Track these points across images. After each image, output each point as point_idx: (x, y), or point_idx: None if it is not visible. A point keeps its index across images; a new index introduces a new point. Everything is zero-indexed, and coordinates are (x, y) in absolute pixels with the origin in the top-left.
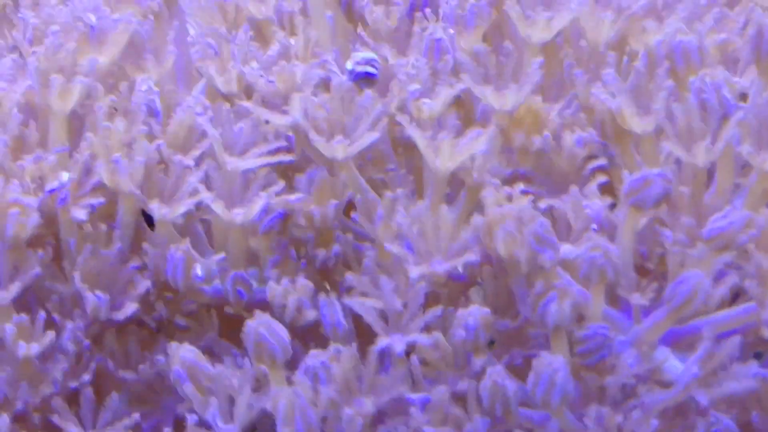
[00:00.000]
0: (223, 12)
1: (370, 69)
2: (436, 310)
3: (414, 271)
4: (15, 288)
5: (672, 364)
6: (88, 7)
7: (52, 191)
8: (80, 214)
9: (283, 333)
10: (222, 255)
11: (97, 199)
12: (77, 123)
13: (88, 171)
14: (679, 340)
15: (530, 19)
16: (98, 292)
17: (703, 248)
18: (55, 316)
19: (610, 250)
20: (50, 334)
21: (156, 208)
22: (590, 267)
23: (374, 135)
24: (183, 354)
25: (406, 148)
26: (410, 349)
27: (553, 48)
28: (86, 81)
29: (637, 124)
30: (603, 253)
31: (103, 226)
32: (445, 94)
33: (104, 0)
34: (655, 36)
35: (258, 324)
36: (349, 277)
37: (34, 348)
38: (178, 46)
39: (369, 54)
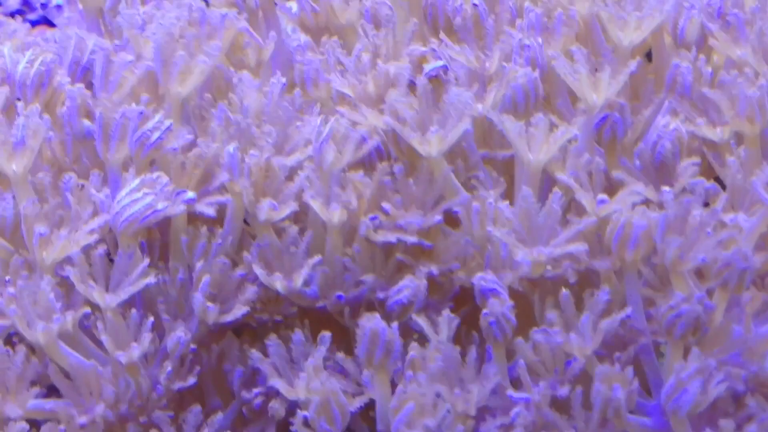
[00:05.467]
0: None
1: (441, 70)
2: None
3: (520, 255)
4: (124, 294)
5: None
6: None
7: (187, 201)
8: (209, 210)
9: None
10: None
11: (218, 198)
12: None
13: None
14: None
15: (621, 21)
16: (209, 303)
17: None
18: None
19: (750, 257)
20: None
21: (264, 209)
22: (732, 273)
23: (465, 126)
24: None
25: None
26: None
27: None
28: (208, 62)
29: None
30: (745, 259)
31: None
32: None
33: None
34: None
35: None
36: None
37: (135, 351)
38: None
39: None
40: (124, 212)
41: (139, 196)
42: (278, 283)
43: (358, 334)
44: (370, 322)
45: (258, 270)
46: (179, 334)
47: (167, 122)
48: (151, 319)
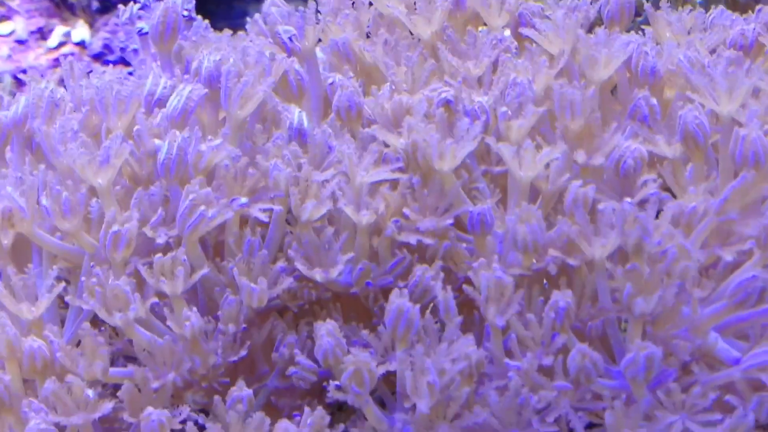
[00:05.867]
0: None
1: (450, 97)
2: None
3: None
4: (188, 285)
5: (722, 347)
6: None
7: (240, 205)
8: (261, 215)
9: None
10: (351, 255)
11: (269, 206)
12: None
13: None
14: (724, 328)
15: (594, 59)
16: (252, 284)
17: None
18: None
19: (691, 251)
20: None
21: (307, 209)
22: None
23: (473, 145)
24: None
25: (491, 176)
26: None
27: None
28: (267, 90)
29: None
30: (685, 252)
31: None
32: (531, 113)
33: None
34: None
35: (401, 303)
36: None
37: (196, 326)
38: (313, 80)
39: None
40: (186, 221)
41: (187, 204)
42: (318, 275)
43: (387, 309)
44: (398, 299)
45: (299, 265)
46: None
47: (216, 141)
48: (195, 308)
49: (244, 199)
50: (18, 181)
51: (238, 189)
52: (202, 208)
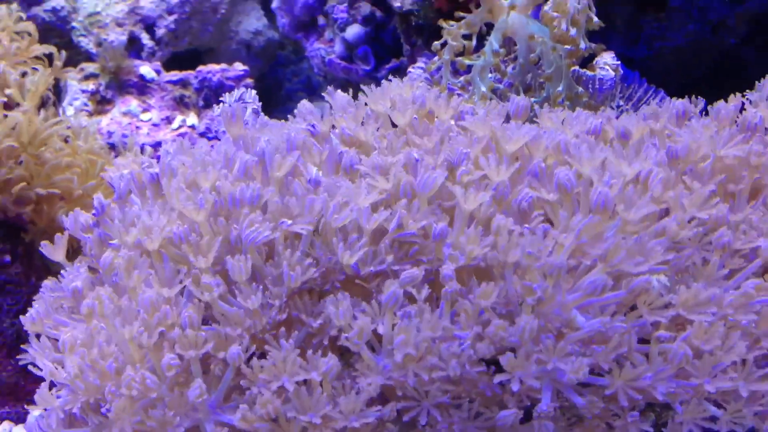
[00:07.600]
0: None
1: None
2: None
3: (460, 260)
4: (249, 269)
5: (580, 319)
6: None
7: (285, 226)
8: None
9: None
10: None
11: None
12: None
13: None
14: (581, 308)
15: (506, 138)
16: (291, 272)
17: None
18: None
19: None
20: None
21: (338, 220)
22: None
23: (437, 188)
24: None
25: (442, 207)
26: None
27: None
28: (294, 157)
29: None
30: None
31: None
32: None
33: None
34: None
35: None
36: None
37: (255, 303)
38: (328, 151)
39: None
40: (250, 236)
41: (253, 228)
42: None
43: (383, 289)
44: (390, 287)
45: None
46: (276, 292)
47: (266, 191)
48: (261, 287)
49: (289, 221)
50: (159, 214)
51: (280, 216)
52: (257, 229)
